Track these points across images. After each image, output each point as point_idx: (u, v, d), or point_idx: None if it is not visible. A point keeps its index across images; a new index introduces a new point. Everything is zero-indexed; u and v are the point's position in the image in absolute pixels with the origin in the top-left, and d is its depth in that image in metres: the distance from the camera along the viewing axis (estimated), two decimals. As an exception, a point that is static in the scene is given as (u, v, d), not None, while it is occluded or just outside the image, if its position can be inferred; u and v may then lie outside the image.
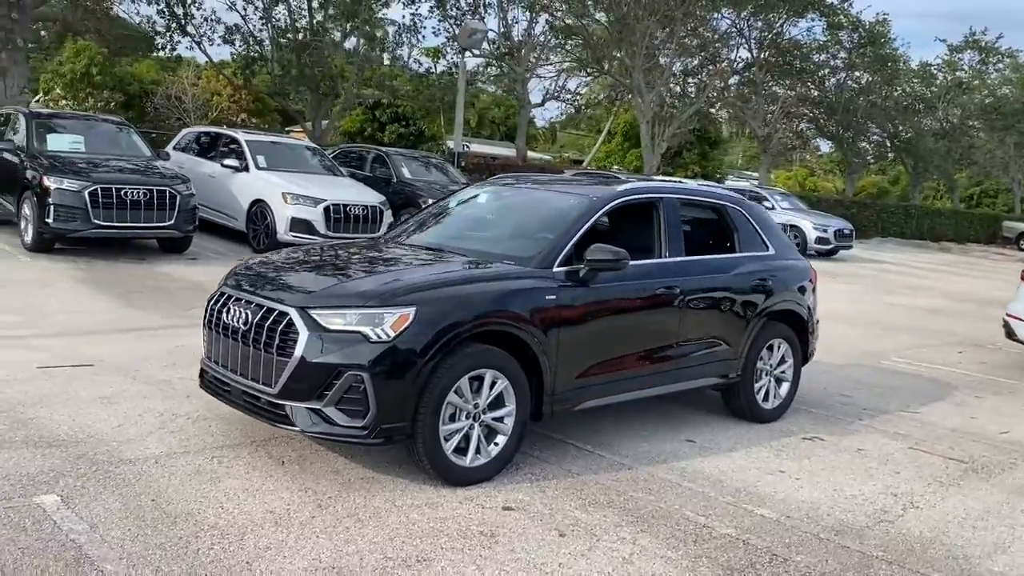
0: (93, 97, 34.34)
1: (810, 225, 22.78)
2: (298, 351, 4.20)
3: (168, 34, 20.05)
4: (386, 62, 23.97)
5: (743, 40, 32.64)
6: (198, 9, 20.10)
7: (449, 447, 4.42)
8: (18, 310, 7.94)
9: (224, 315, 4.65)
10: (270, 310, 4.39)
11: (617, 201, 5.44)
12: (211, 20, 20.21)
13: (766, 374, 6.30)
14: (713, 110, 35.14)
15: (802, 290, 6.50)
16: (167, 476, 4.33)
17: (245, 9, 20.17)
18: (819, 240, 22.59)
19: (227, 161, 13.38)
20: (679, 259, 5.61)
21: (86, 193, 10.49)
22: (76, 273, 9.96)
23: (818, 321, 6.86)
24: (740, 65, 34.73)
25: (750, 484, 4.98)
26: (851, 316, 12.75)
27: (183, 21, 19.57)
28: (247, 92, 30.65)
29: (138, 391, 5.72)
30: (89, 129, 12.43)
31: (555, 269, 4.89)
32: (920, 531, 4.50)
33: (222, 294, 4.79)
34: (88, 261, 10.69)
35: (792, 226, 22.49)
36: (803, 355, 6.59)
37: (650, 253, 5.60)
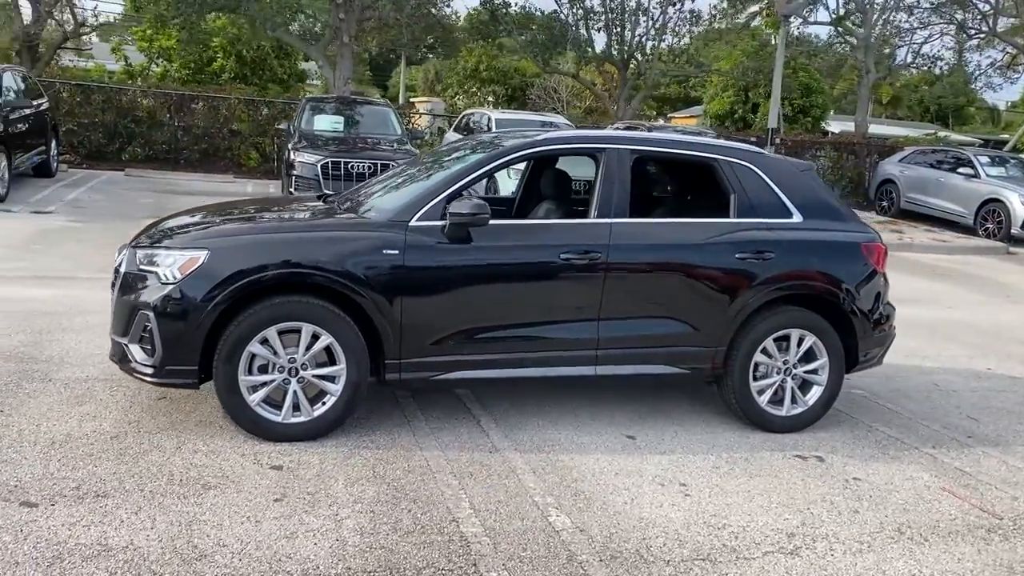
0: (481, 91, 38.00)
1: None
2: (116, 287, 4.42)
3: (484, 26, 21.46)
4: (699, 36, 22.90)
5: None
6: (513, -2, 21.19)
7: (254, 399, 4.30)
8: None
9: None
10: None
11: (521, 153, 4.74)
12: (526, 8, 21.19)
13: (777, 372, 5.03)
14: None
15: (845, 269, 5.06)
16: (50, 395, 4.79)
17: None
18: None
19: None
20: (612, 220, 4.70)
21: (319, 166, 11.75)
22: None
23: (891, 309, 5.29)
24: None
25: (605, 492, 4.08)
26: None
27: (497, 12, 20.79)
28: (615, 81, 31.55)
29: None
30: (353, 111, 13.87)
31: (412, 223, 4.45)
32: (734, 581, 3.33)
33: None
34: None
35: None
36: (849, 354, 5.13)
37: (584, 213, 4.81)
